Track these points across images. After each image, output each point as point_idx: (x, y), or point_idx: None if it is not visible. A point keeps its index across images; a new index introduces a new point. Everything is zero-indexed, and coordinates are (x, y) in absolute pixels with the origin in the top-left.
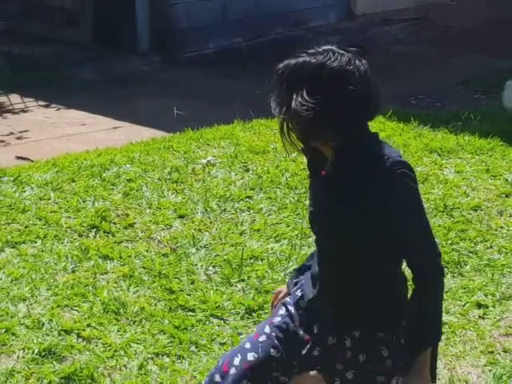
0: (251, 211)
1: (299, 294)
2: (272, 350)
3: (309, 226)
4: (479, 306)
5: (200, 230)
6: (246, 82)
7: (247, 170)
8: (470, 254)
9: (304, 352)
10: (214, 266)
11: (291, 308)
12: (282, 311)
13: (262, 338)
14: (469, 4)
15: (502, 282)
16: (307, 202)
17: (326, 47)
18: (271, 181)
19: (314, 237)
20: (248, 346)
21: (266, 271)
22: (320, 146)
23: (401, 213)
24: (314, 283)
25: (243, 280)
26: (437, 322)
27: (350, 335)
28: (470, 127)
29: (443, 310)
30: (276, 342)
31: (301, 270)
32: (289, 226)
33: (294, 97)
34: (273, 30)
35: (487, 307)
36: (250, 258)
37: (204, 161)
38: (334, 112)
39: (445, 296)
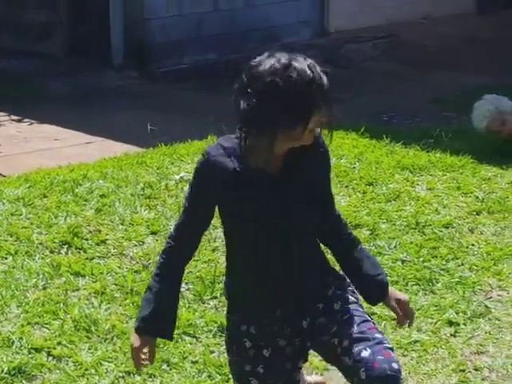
0: None
1: (244, 328)
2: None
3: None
4: (451, 323)
5: None
6: (220, 98)
7: None
8: (442, 272)
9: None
10: (186, 283)
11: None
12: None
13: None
14: (440, 22)
15: (473, 299)
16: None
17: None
18: None
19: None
20: None
21: None
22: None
23: (329, 185)
24: (260, 291)
25: (216, 297)
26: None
27: (311, 310)
28: (442, 145)
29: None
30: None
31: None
32: None
33: None
34: (247, 45)
35: (458, 325)
36: (223, 275)
37: (177, 176)
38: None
39: (416, 314)
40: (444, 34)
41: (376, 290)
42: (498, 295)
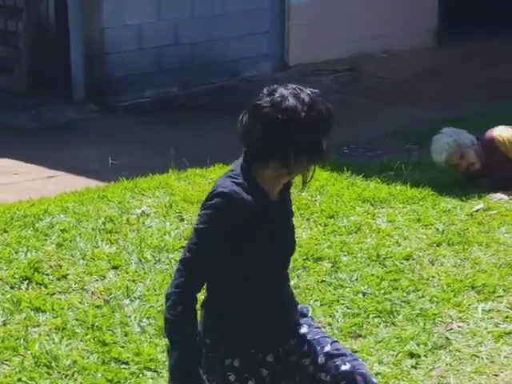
0: None
1: (228, 362)
2: None
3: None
4: (412, 355)
5: (134, 281)
6: (181, 131)
7: (182, 220)
8: (403, 304)
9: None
10: (147, 318)
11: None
12: None
13: None
14: (401, 56)
15: (433, 331)
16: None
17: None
18: None
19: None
20: None
21: None
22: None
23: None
24: (256, 321)
25: None
26: None
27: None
28: (402, 177)
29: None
30: None
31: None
32: None
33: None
34: (208, 79)
35: (419, 357)
36: None
37: (138, 211)
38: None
39: (378, 346)
40: (404, 67)
41: None
42: (459, 327)
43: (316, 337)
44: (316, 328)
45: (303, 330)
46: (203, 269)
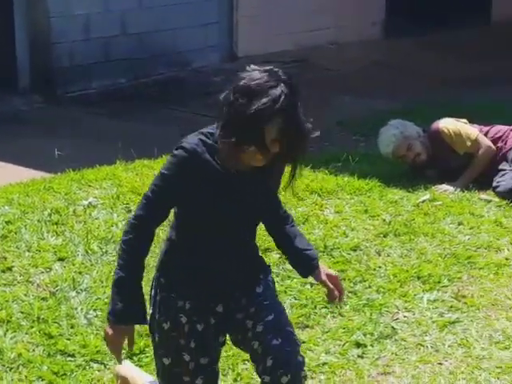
0: None
1: (181, 304)
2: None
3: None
4: (358, 345)
5: (80, 273)
6: (129, 122)
7: (129, 211)
8: (350, 294)
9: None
10: (94, 310)
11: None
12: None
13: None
14: (348, 48)
15: (380, 321)
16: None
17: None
18: None
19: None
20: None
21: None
22: None
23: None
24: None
25: None
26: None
27: (246, 294)
28: (349, 168)
29: (324, 350)
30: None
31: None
32: None
33: None
34: (156, 70)
35: (366, 346)
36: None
37: (85, 202)
38: None
39: (325, 336)
40: (352, 58)
41: (306, 263)
42: (404, 316)
43: (265, 302)
44: (271, 293)
45: (258, 289)
46: (159, 209)
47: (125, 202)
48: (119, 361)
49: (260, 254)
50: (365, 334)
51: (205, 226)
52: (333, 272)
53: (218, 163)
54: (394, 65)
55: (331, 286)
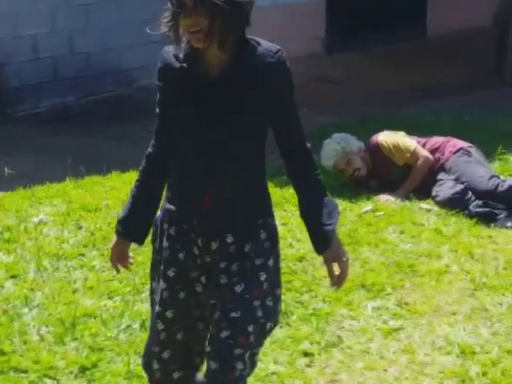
0: (84, 269)
1: (165, 227)
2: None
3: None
4: (306, 354)
5: (32, 290)
6: (78, 140)
7: (80, 228)
8: (297, 304)
9: (196, 275)
10: (46, 326)
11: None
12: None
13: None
14: (291, 63)
15: (326, 330)
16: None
17: None
18: (104, 237)
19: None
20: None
21: (100, 328)
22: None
23: (283, 108)
24: (186, 201)
25: (76, 338)
26: (328, 196)
27: (232, 231)
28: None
29: (272, 360)
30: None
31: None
32: (121, 283)
33: None
34: (104, 88)
35: (313, 355)
36: (84, 316)
37: (36, 219)
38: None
39: (273, 346)
40: (295, 73)
41: (318, 242)
42: (350, 325)
43: (234, 287)
44: (242, 276)
45: (247, 247)
46: (160, 131)
47: (75, 219)
48: (114, 268)
49: (266, 200)
50: (312, 343)
51: (180, 142)
52: (343, 258)
53: (186, 69)
54: (337, 79)
55: (334, 275)
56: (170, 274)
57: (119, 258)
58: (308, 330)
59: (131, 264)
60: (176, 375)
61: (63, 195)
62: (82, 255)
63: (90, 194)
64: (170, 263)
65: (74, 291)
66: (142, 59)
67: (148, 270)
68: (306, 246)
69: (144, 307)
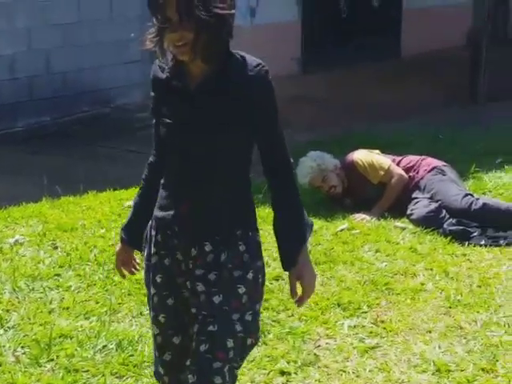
0: (60, 289)
1: (153, 233)
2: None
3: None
4: (282, 373)
5: (8, 311)
6: (54, 160)
7: (56, 248)
8: (273, 323)
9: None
10: (22, 347)
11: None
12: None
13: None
14: None
15: (303, 348)
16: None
17: None
18: (80, 258)
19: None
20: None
21: (76, 349)
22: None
23: (263, 120)
24: (169, 207)
25: (52, 359)
26: (305, 214)
27: (210, 239)
28: (270, 199)
29: (249, 379)
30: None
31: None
32: (98, 303)
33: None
34: (80, 108)
35: (290, 374)
36: (60, 337)
37: (12, 240)
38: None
39: (250, 365)
40: None
41: (284, 259)
42: (326, 343)
43: (212, 298)
44: (219, 286)
45: (223, 256)
46: (156, 139)
47: (51, 239)
48: (118, 272)
49: (248, 212)
50: (288, 362)
51: (170, 150)
52: (306, 277)
53: (171, 80)
54: (313, 98)
55: (294, 293)
56: (158, 279)
57: (123, 263)
58: (285, 348)
59: (137, 270)
60: (182, 377)
61: (39, 215)
62: (58, 275)
63: (66, 214)
64: (158, 269)
65: (50, 312)
66: (118, 79)
67: (124, 291)
68: (281, 265)
69: (120, 327)
